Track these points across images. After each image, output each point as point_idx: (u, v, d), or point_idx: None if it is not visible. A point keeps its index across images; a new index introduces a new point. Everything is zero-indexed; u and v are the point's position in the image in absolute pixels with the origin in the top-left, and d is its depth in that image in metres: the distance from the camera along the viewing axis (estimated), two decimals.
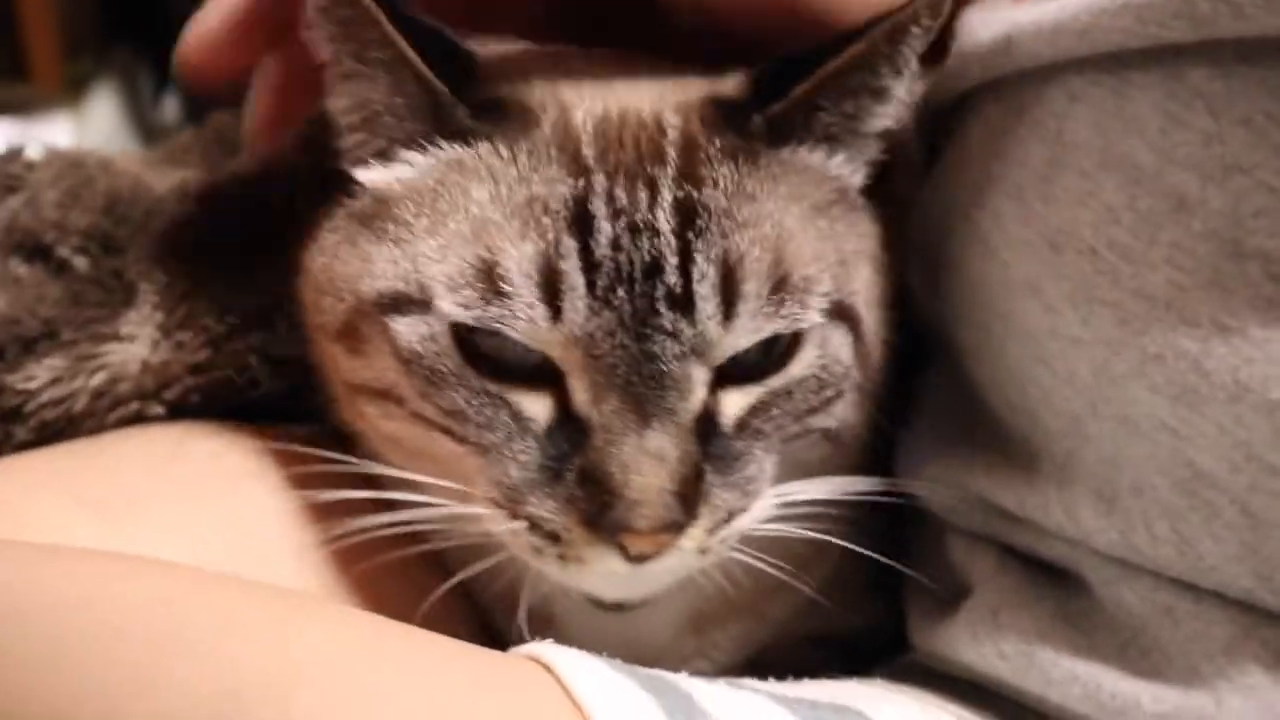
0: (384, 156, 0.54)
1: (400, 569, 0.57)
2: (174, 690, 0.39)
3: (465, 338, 0.50)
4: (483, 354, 0.51)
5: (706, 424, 0.51)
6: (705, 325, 0.49)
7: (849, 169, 0.57)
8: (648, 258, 0.49)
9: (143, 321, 0.61)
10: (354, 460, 0.55)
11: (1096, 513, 0.53)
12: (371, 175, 0.54)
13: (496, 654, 0.48)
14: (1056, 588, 0.56)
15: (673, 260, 0.49)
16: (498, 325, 0.49)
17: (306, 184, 0.60)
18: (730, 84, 0.55)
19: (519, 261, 0.49)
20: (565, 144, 0.52)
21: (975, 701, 0.56)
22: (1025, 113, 0.55)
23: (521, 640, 0.50)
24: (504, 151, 0.52)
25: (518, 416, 0.51)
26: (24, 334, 0.62)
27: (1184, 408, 0.49)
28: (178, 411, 0.62)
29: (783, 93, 0.53)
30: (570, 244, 0.49)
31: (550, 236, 0.49)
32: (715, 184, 0.51)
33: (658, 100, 0.54)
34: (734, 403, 0.52)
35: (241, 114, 0.82)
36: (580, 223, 0.49)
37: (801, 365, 0.53)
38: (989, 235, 0.57)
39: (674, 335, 0.49)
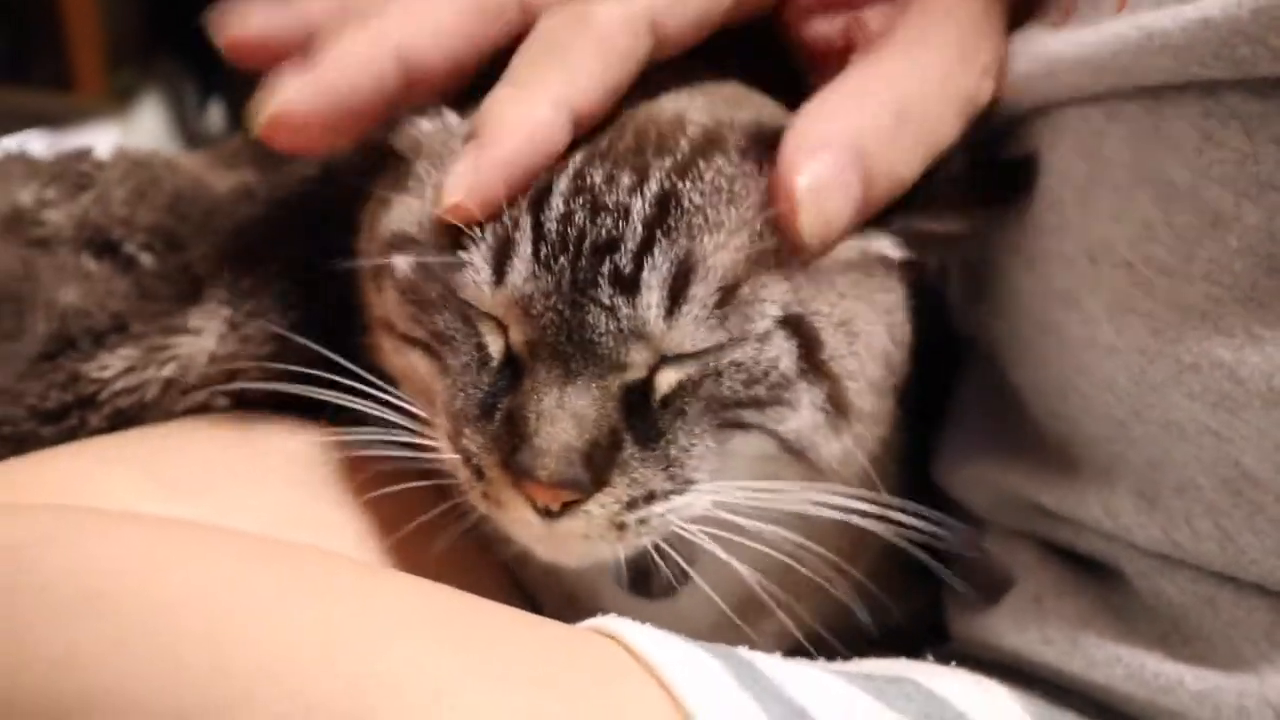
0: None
1: (459, 561, 0.59)
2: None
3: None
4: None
5: (636, 397, 0.53)
6: (645, 314, 0.51)
7: (890, 249, 0.57)
8: (603, 236, 0.51)
9: (210, 316, 0.63)
10: (374, 380, 0.58)
11: (1138, 510, 0.54)
12: (400, 141, 0.59)
13: (566, 626, 0.49)
14: (1096, 579, 0.57)
15: (630, 244, 0.51)
16: (457, 287, 0.53)
17: (365, 184, 0.62)
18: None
19: (481, 233, 0.52)
20: None
21: (1016, 683, 0.58)
22: (1066, 130, 0.56)
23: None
24: None
25: (480, 348, 0.54)
26: (95, 326, 0.65)
27: (1224, 413, 0.50)
28: (241, 402, 0.64)
29: None
30: (526, 220, 0.52)
31: (514, 213, 0.52)
32: (704, 180, 0.53)
33: (697, 107, 0.57)
34: (667, 380, 0.53)
35: None
36: (539, 199, 0.52)
37: (739, 352, 0.53)
38: (1029, 247, 0.59)
39: (610, 310, 0.51)
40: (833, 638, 0.65)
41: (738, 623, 0.61)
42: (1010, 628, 0.58)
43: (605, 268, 0.51)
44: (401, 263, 0.56)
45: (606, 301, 0.51)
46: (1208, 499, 0.52)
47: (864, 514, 0.57)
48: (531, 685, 0.43)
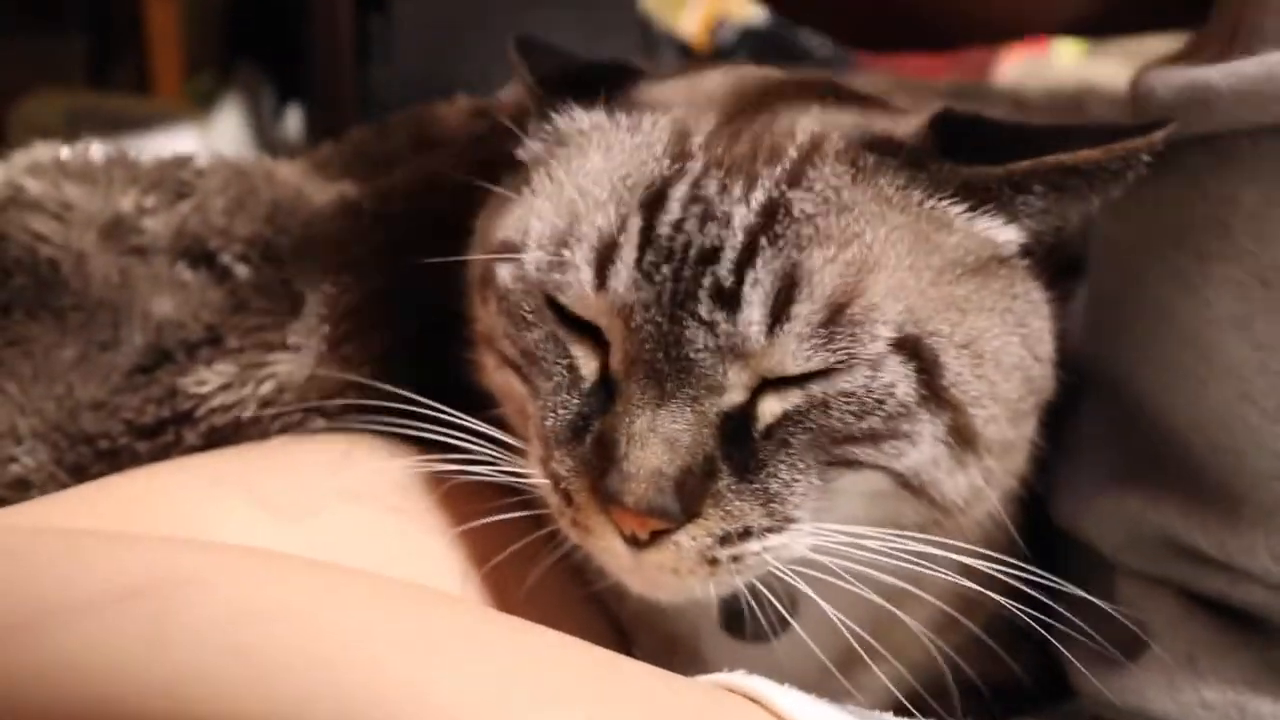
0: (529, 134, 0.59)
1: (553, 594, 0.57)
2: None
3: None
4: (560, 304, 0.53)
5: (737, 426, 0.50)
6: (746, 330, 0.49)
7: (1012, 240, 0.55)
8: (708, 245, 0.50)
9: (309, 333, 0.62)
10: (462, 418, 0.56)
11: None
12: (520, 151, 0.59)
13: (702, 684, 0.47)
14: (1252, 635, 0.54)
15: (731, 254, 0.49)
16: (556, 290, 0.52)
17: (467, 194, 0.61)
18: (905, 126, 0.55)
19: (586, 233, 0.52)
20: (680, 134, 0.54)
21: None
22: (1234, 160, 0.55)
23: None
24: (624, 132, 0.55)
25: (572, 368, 0.53)
26: (188, 338, 0.64)
27: None
28: (336, 424, 0.62)
29: (973, 151, 0.52)
30: (635, 221, 0.51)
31: (622, 211, 0.51)
32: (814, 189, 0.51)
33: (809, 115, 0.55)
34: (770, 409, 0.51)
35: (379, 129, 0.85)
36: (654, 203, 0.51)
37: (847, 380, 0.50)
38: (1189, 273, 0.56)
39: (709, 327, 0.49)
40: (939, 694, 0.63)
41: (837, 675, 0.59)
42: (1158, 690, 0.55)
43: (706, 279, 0.49)
44: (504, 272, 0.55)
45: (705, 316, 0.49)
46: None
47: (976, 575, 0.53)
48: None
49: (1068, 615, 0.56)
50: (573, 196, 0.53)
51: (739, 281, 0.49)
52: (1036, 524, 0.64)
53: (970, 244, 0.53)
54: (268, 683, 0.37)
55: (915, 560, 0.52)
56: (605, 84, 0.57)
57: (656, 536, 0.49)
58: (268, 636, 0.39)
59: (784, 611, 0.54)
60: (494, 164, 0.61)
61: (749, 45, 2.15)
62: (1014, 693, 0.62)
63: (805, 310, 0.49)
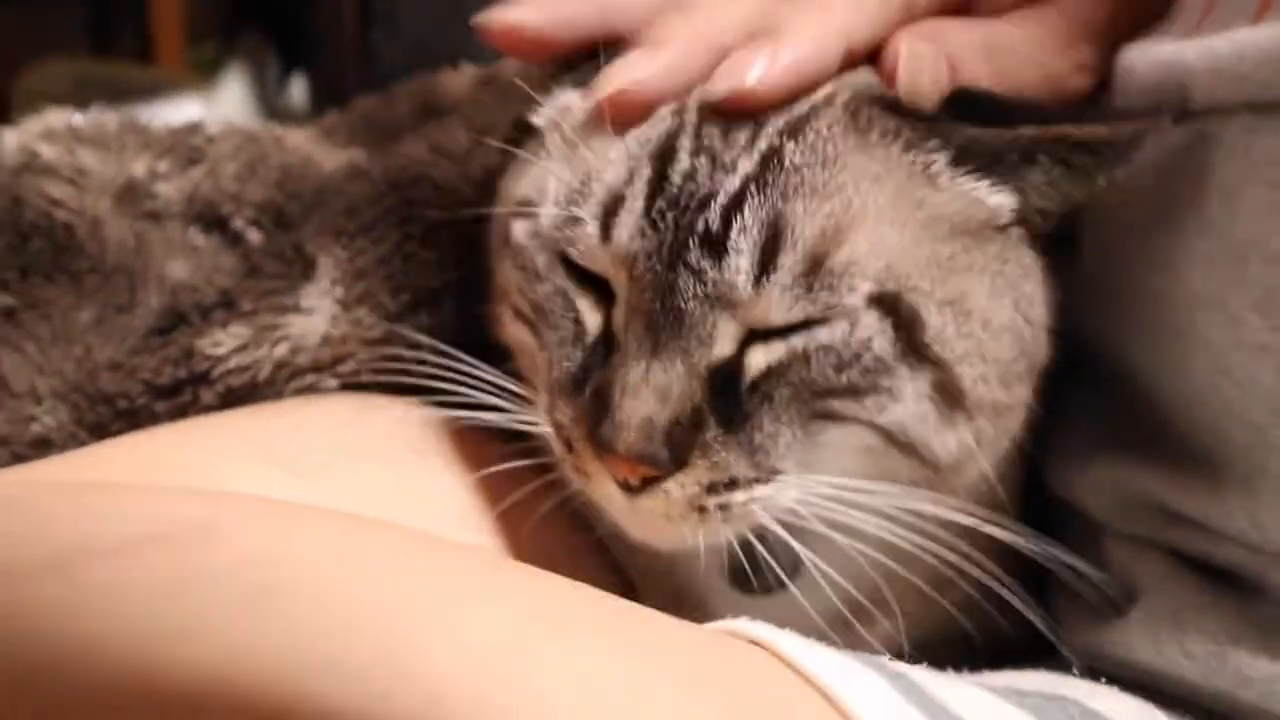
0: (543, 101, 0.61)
1: (570, 556, 0.59)
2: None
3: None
4: (573, 261, 0.55)
5: (725, 380, 0.52)
6: (734, 279, 0.50)
7: (1006, 206, 0.55)
8: (706, 191, 0.51)
9: (322, 295, 0.63)
10: (475, 363, 0.58)
11: (1264, 521, 0.53)
12: (536, 117, 0.60)
13: (709, 629, 0.48)
14: (1237, 592, 0.56)
15: (722, 199, 0.51)
16: (567, 245, 0.54)
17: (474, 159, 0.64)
18: None
19: (597, 188, 0.53)
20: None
21: (1160, 703, 0.56)
22: (1209, 138, 0.55)
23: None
24: None
25: (577, 321, 0.55)
26: (202, 301, 0.65)
27: None
28: (349, 384, 0.64)
29: (983, 122, 0.53)
30: (645, 171, 0.53)
31: (631, 165, 0.53)
32: (806, 139, 0.52)
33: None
34: (756, 363, 0.52)
35: (384, 97, 0.86)
36: (663, 154, 0.53)
37: (826, 332, 0.51)
38: (1167, 252, 0.57)
39: (698, 275, 0.51)
40: (938, 645, 0.64)
41: (849, 620, 0.60)
42: (1144, 642, 0.56)
43: (699, 225, 0.51)
44: (519, 229, 0.57)
45: (695, 264, 0.51)
46: None
47: (969, 533, 0.54)
48: (693, 693, 0.42)
49: (1060, 572, 0.58)
50: (588, 156, 0.54)
51: (725, 227, 0.50)
52: (1032, 489, 0.66)
53: (960, 204, 0.54)
54: (292, 624, 0.38)
55: (903, 515, 0.54)
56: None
57: (648, 483, 0.51)
58: (290, 580, 0.40)
59: (786, 567, 0.55)
60: (496, 131, 0.63)
61: None
62: (1003, 645, 0.64)
63: (788, 261, 0.50)
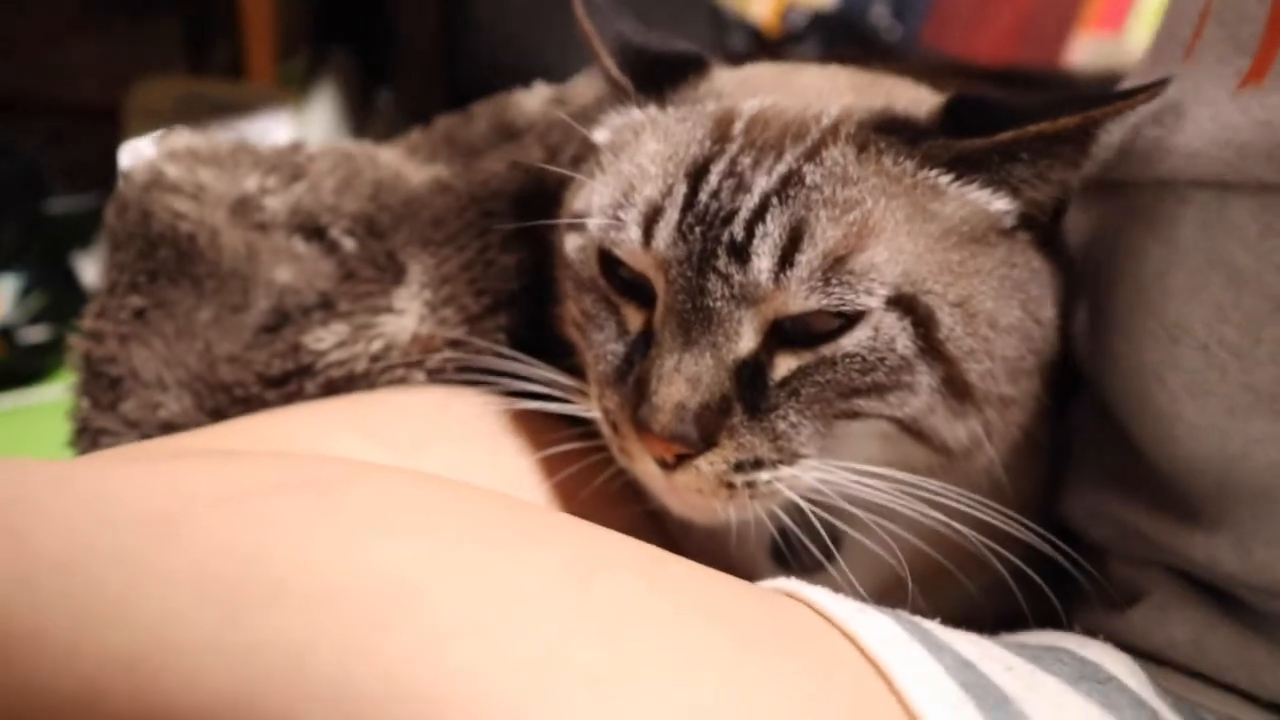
0: (601, 122, 0.68)
1: (627, 521, 0.64)
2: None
3: (605, 255, 0.62)
4: (614, 272, 0.62)
5: (754, 373, 0.57)
6: (757, 277, 0.56)
7: (1007, 207, 0.60)
8: (731, 208, 0.57)
9: (412, 298, 0.70)
10: (536, 364, 0.66)
11: (1237, 558, 0.57)
12: (595, 134, 0.68)
13: (753, 585, 0.52)
14: (1218, 596, 0.60)
15: (744, 215, 0.57)
16: (612, 245, 0.60)
17: (546, 181, 0.70)
18: (926, 106, 0.61)
19: (639, 198, 0.59)
20: (722, 120, 0.61)
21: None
22: (1141, 212, 0.59)
23: None
24: (676, 121, 0.63)
25: (620, 324, 0.62)
26: (303, 303, 0.72)
27: None
28: (434, 377, 0.71)
29: (979, 131, 0.58)
30: (680, 189, 0.58)
31: (669, 182, 0.59)
32: (824, 163, 0.58)
33: (834, 102, 0.62)
34: (785, 364, 0.58)
35: (463, 116, 0.92)
36: (697, 175, 0.59)
37: (852, 341, 0.57)
38: (1124, 319, 0.61)
39: (725, 279, 0.57)
40: (984, 618, 0.68)
41: (882, 601, 0.65)
42: (1139, 634, 0.61)
43: (725, 237, 0.57)
44: (570, 244, 0.64)
45: (722, 269, 0.57)
46: None
47: (971, 520, 0.59)
48: (736, 642, 0.45)
49: (1072, 567, 0.62)
50: (631, 172, 0.61)
51: (749, 236, 0.56)
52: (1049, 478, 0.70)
53: (966, 213, 0.59)
54: (432, 545, 0.44)
55: (920, 499, 0.58)
56: (674, 74, 0.65)
57: (681, 460, 0.58)
58: (422, 519, 0.46)
59: (822, 548, 0.60)
60: (566, 148, 0.70)
61: (820, 29, 2.16)
62: (1021, 625, 0.68)
63: (807, 257, 0.56)
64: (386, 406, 0.67)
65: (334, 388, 0.69)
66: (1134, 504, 0.63)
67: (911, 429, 0.59)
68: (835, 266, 0.56)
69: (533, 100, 0.91)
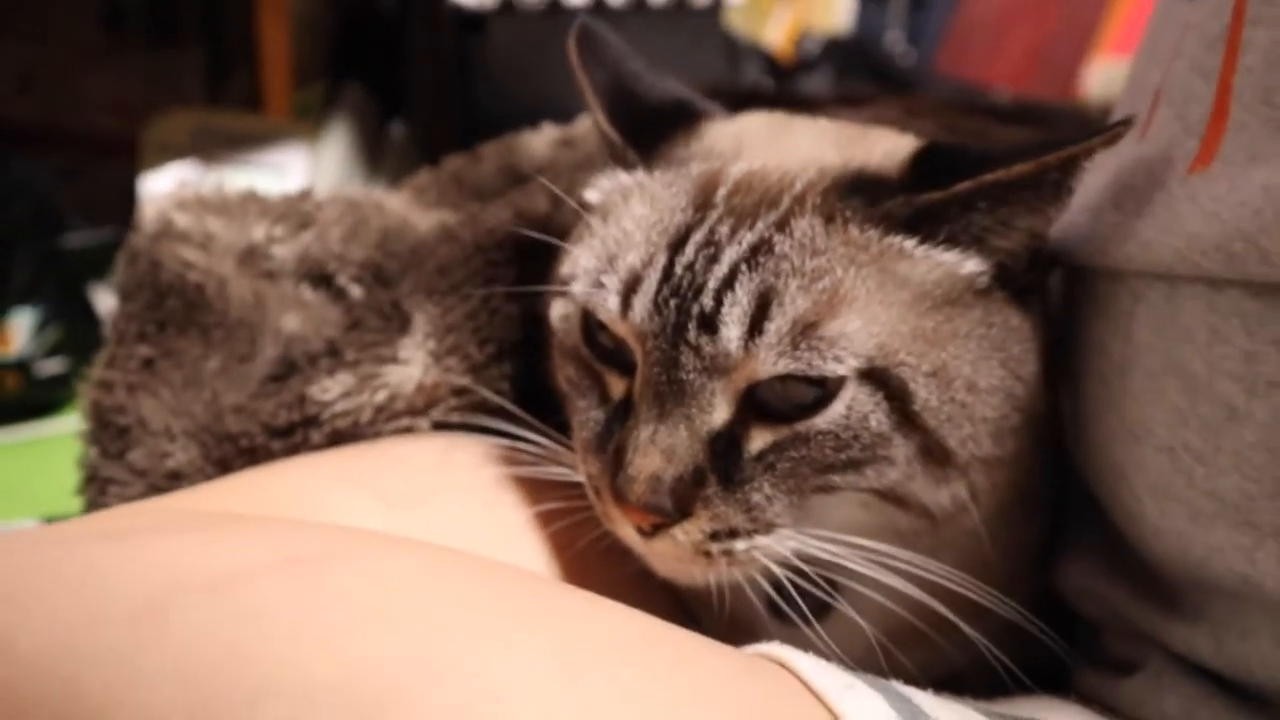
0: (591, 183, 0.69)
1: (634, 581, 0.65)
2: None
3: (588, 324, 0.62)
4: (597, 341, 0.62)
5: (729, 445, 0.58)
6: (725, 346, 0.56)
7: (979, 267, 0.59)
8: (702, 280, 0.57)
9: (416, 347, 0.70)
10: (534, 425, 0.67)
11: (1212, 648, 0.56)
12: (587, 194, 0.68)
13: (736, 650, 0.53)
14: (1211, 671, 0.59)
15: (713, 285, 0.57)
16: (594, 308, 0.60)
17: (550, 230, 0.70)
18: (896, 159, 0.61)
19: (621, 266, 0.60)
20: (706, 186, 0.61)
21: None
22: (1100, 305, 0.58)
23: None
24: (662, 185, 0.63)
25: (603, 391, 0.62)
26: (310, 351, 0.72)
27: (1249, 587, 0.52)
28: (439, 426, 0.71)
29: (943, 181, 0.57)
30: (660, 259, 0.59)
31: (651, 251, 0.59)
32: (793, 233, 0.57)
33: (813, 162, 0.61)
34: (760, 438, 0.58)
35: (471, 156, 0.93)
36: (675, 245, 0.59)
37: (826, 419, 0.56)
38: (1092, 409, 0.60)
39: (695, 350, 0.57)
40: (976, 674, 0.68)
41: (888, 647, 0.64)
42: (1133, 704, 0.60)
43: (695, 309, 0.57)
44: (554, 313, 0.65)
45: (693, 341, 0.57)
46: (1264, 649, 0.53)
47: (943, 591, 0.59)
48: (705, 702, 0.46)
49: (1050, 643, 0.62)
50: (616, 237, 0.61)
51: (718, 305, 0.56)
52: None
53: (937, 276, 0.58)
54: (420, 636, 0.44)
55: (894, 570, 0.58)
56: (665, 127, 0.66)
57: (658, 529, 0.58)
58: (411, 604, 0.46)
59: (817, 602, 0.60)
60: (571, 193, 0.70)
61: (833, 56, 2.17)
62: (1037, 673, 0.68)
63: (776, 324, 0.56)
64: (387, 458, 0.67)
65: (339, 438, 0.69)
66: (1118, 588, 0.62)
67: (890, 497, 0.59)
68: (805, 333, 0.56)
69: (540, 142, 0.92)
